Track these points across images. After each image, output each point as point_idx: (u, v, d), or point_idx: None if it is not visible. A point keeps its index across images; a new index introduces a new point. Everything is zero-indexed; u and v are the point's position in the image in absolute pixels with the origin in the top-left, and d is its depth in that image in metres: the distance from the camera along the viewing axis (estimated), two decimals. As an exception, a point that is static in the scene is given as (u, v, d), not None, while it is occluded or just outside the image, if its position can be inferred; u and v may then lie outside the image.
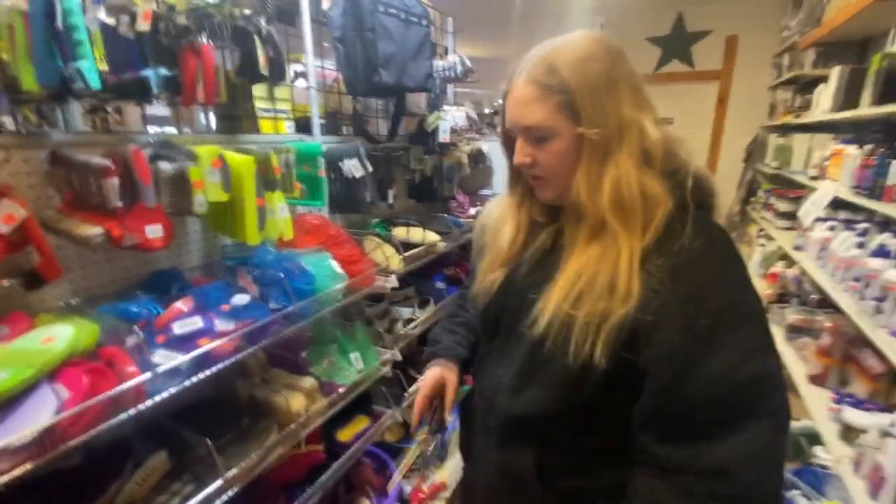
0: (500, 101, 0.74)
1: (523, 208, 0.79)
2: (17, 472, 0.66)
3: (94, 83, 0.80)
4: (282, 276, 1.11)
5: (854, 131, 2.56)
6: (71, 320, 0.83)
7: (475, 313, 0.87)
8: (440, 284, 2.08)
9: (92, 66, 0.79)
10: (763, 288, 2.87)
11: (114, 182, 0.84)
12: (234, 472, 0.98)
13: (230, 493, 0.99)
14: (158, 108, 1.66)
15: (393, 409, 1.63)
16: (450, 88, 2.38)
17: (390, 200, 1.79)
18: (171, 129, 2.24)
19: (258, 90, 1.40)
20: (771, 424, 0.58)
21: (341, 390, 1.30)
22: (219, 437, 1.03)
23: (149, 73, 0.92)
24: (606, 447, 0.71)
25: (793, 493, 1.76)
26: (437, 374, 0.89)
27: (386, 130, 1.96)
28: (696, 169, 0.66)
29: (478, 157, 2.46)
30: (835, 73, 2.51)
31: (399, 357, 1.61)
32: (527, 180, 0.74)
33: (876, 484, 1.39)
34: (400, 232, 1.79)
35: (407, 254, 1.63)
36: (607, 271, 0.63)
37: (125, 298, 0.98)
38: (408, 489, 1.76)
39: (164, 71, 0.94)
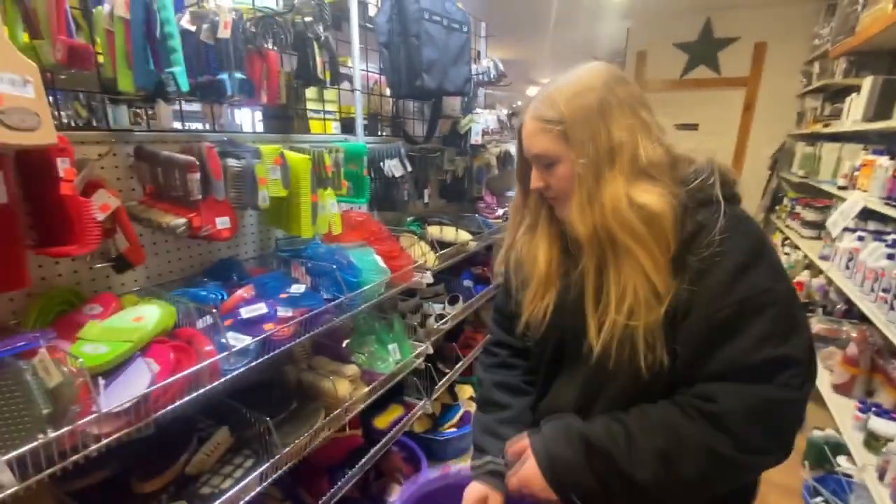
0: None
1: (548, 230, 0.81)
2: (117, 434, 0.73)
3: (185, 86, 0.88)
4: (333, 267, 1.18)
5: (885, 142, 2.55)
6: (153, 302, 0.90)
7: (529, 344, 0.87)
8: (468, 282, 2.13)
9: (183, 71, 0.86)
10: (787, 296, 2.86)
11: (197, 177, 0.92)
12: (288, 449, 1.05)
13: (285, 468, 1.06)
14: (186, 105, 1.74)
15: (424, 399, 1.70)
16: (481, 92, 2.44)
17: (426, 199, 1.85)
18: (198, 125, 2.34)
19: (310, 92, 1.47)
20: (784, 396, 0.63)
21: (381, 379, 1.36)
22: (272, 417, 1.10)
23: (224, 76, 1.00)
24: None
25: (815, 500, 1.77)
26: (481, 494, 0.81)
27: (421, 132, 2.02)
28: (718, 166, 0.71)
29: (506, 159, 2.51)
30: (867, 82, 2.50)
31: (431, 350, 1.67)
32: (549, 204, 0.79)
33: (902, 492, 1.40)
34: (434, 230, 1.85)
35: (441, 252, 1.69)
36: (644, 281, 0.67)
37: (194, 284, 1.06)
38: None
39: (239, 74, 1.01)
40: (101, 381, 0.70)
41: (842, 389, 2.01)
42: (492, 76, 2.14)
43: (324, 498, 1.23)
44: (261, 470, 0.99)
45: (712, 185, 0.69)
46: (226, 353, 0.87)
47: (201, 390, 0.85)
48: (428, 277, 1.60)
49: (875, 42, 2.62)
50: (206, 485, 0.93)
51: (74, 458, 0.68)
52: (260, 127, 2.02)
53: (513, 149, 2.61)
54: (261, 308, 1.00)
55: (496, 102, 2.54)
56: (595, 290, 0.72)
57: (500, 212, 2.40)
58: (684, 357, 0.68)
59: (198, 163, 0.92)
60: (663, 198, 0.67)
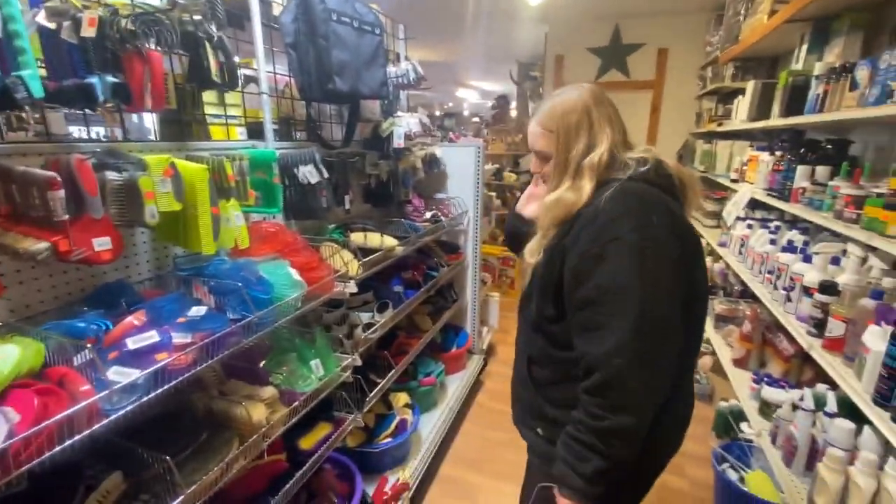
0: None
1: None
2: (-37, 503, 0.62)
3: (38, 92, 0.77)
4: (239, 285, 1.10)
5: (767, 139, 2.86)
6: (13, 340, 0.78)
7: None
8: (398, 288, 2.11)
9: (35, 75, 0.75)
10: (694, 281, 3.13)
11: (60, 194, 0.81)
12: (194, 488, 0.96)
13: (192, 508, 0.97)
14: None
15: (355, 413, 1.64)
16: (402, 94, 2.42)
17: (347, 206, 1.80)
18: (100, 129, 2.11)
19: (208, 96, 1.36)
20: (632, 327, 0.80)
21: (302, 398, 1.30)
22: (177, 453, 1.00)
23: (94, 79, 0.89)
24: (570, 361, 0.91)
25: (723, 466, 1.95)
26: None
27: (340, 136, 1.96)
28: (654, 158, 0.94)
29: (432, 162, 2.52)
30: (750, 86, 2.80)
31: (359, 362, 1.62)
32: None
33: (789, 452, 1.58)
34: (357, 237, 1.80)
35: (365, 259, 1.65)
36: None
37: (70, 315, 0.94)
38: (370, 491, 1.77)
39: (110, 78, 0.91)
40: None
41: (739, 363, 2.23)
42: (411, 79, 2.13)
43: (243, 532, 1.15)
44: (161, 515, 0.90)
45: (618, 173, 0.91)
46: (106, 393, 0.78)
47: (77, 437, 0.75)
48: (351, 287, 1.55)
49: (756, 49, 2.94)
50: (93, 541, 0.83)
51: None
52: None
53: (438, 151, 2.62)
54: (152, 336, 0.91)
55: (419, 106, 2.53)
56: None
57: (429, 215, 2.40)
58: (566, 282, 0.89)
59: (60, 179, 0.81)
60: (584, 194, 0.91)
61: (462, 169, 2.72)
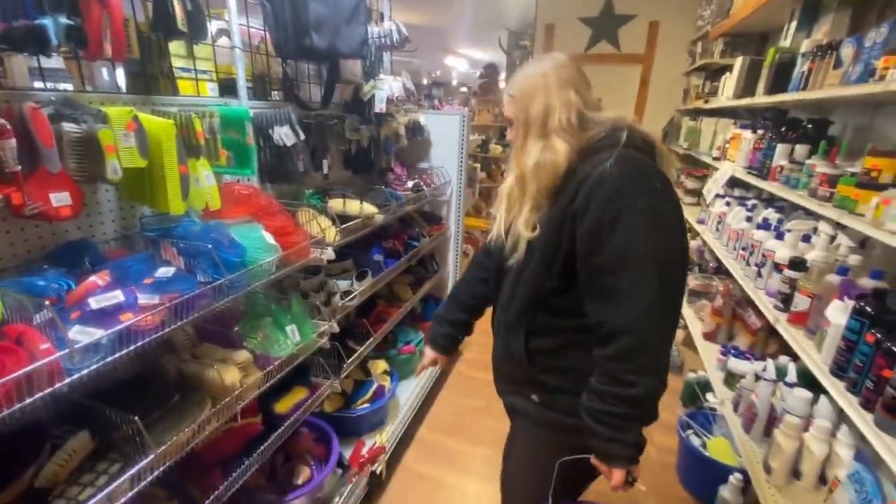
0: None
1: None
2: (-86, 459, 0.60)
3: (-21, 30, 0.70)
4: (209, 247, 1.07)
5: (751, 117, 2.87)
6: (-35, 297, 0.75)
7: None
8: (378, 257, 2.09)
9: (-25, 11, 0.69)
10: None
11: (11, 144, 0.76)
12: (164, 447, 0.96)
13: (162, 469, 0.97)
14: (53, 61, 1.47)
15: (332, 379, 1.65)
16: (386, 57, 2.33)
17: (325, 171, 1.75)
18: (67, 85, 1.99)
19: (176, 48, 1.29)
20: (656, 290, 0.83)
21: (277, 363, 1.29)
22: (147, 414, 0.99)
23: (47, 21, 0.82)
24: (578, 331, 0.95)
25: (687, 433, 2.04)
26: (434, 356, 1.32)
27: (318, 97, 1.89)
28: (629, 125, 0.94)
29: (415, 129, 2.46)
30: (738, 63, 2.78)
31: (336, 329, 1.62)
32: None
33: (749, 419, 1.65)
34: (336, 204, 1.76)
35: (343, 226, 1.62)
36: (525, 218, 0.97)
37: (30, 273, 0.90)
38: (347, 454, 1.81)
39: (64, 20, 0.84)
40: None
41: (709, 336, 2.31)
42: (394, 40, 2.05)
43: (218, 491, 1.16)
44: (131, 473, 0.89)
45: (604, 139, 0.91)
46: (67, 351, 0.76)
47: (37, 396, 0.73)
48: (329, 253, 1.53)
49: (745, 25, 2.90)
50: (61, 497, 0.82)
51: None
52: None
53: (422, 118, 2.55)
54: (116, 296, 0.88)
55: (405, 71, 2.45)
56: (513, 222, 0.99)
57: (411, 184, 2.36)
58: (579, 249, 0.89)
59: (10, 127, 0.76)
60: (560, 154, 0.92)
61: (446, 138, 2.67)
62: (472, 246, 3.72)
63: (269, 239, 1.25)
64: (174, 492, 1.16)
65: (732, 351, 2.03)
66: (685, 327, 3.11)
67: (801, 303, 1.52)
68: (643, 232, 0.84)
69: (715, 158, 3.10)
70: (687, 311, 2.63)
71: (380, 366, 2.14)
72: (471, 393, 2.66)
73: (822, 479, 1.40)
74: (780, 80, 2.19)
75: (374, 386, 2.02)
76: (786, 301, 1.61)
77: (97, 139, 0.90)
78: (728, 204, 2.56)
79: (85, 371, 0.80)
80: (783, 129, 2.13)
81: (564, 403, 1.01)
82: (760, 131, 2.38)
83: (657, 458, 2.18)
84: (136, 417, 0.91)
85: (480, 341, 3.19)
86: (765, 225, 2.05)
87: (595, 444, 0.93)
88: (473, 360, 2.97)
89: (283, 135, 1.45)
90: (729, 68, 3.06)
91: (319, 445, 1.74)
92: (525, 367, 1.03)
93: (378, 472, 1.83)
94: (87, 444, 0.90)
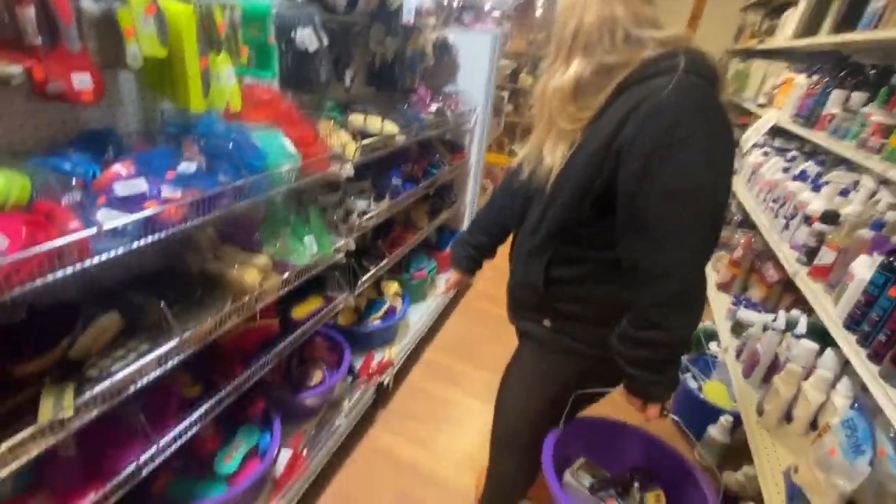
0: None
1: None
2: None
3: None
4: (231, 147, 1.06)
5: (807, 61, 2.64)
6: (-5, 170, 0.76)
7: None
8: (396, 181, 2.07)
9: None
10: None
11: (29, 12, 0.73)
12: (187, 334, 1.02)
13: (185, 354, 1.04)
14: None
15: (347, 293, 1.71)
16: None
17: (347, 82, 1.68)
18: None
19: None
20: (703, 233, 0.81)
21: (295, 270, 1.33)
22: (171, 304, 1.04)
23: None
24: (603, 263, 0.95)
25: (685, 376, 2.10)
26: (459, 277, 1.34)
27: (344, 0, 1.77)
28: (691, 47, 0.84)
29: (443, 48, 2.33)
30: (805, -4, 2.51)
31: (353, 246, 1.64)
32: None
33: (750, 366, 1.68)
34: (357, 120, 1.72)
35: (364, 142, 1.59)
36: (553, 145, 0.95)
37: (56, 155, 0.91)
38: (358, 365, 1.91)
39: None
40: (-76, 252, 0.60)
41: (723, 287, 2.30)
42: (428, -58, 1.87)
43: (238, 380, 1.24)
44: (158, 353, 0.96)
45: (661, 61, 0.82)
46: (94, 229, 0.78)
47: (69, 269, 0.77)
48: (348, 169, 1.52)
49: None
50: (95, 367, 0.89)
51: None
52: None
53: (451, 36, 2.40)
54: (140, 185, 0.89)
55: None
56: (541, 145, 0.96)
57: (434, 107, 2.27)
58: (623, 187, 0.84)
59: (29, -6, 0.73)
60: (599, 74, 0.86)
61: (475, 61, 2.52)
62: (493, 181, 3.65)
63: (290, 147, 1.24)
64: (198, 379, 1.25)
65: (744, 302, 2.03)
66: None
67: (825, 256, 1.48)
68: (697, 172, 0.78)
69: (760, 105, 2.91)
70: (703, 261, 2.60)
71: (392, 287, 2.20)
72: (478, 322, 2.74)
73: (813, 425, 1.45)
74: (850, 17, 1.98)
75: (387, 305, 2.09)
76: (810, 254, 1.57)
77: (115, 19, 0.87)
78: (766, 154, 2.43)
79: (113, 253, 0.83)
80: (842, 73, 1.96)
81: (576, 330, 1.03)
82: (816, 76, 2.20)
83: (652, 397, 2.27)
84: (163, 302, 0.96)
85: (491, 275, 3.24)
86: (802, 176, 1.95)
87: (633, 387, 0.95)
88: (483, 293, 3.03)
89: (306, 38, 1.38)
90: (793, 3, 2.78)
91: (332, 354, 1.84)
92: (540, 293, 1.04)
93: (385, 383, 1.94)
94: (116, 323, 0.96)
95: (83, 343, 0.91)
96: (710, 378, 2.12)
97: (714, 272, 2.48)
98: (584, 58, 0.86)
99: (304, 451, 1.50)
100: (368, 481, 1.67)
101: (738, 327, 1.93)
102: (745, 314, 1.92)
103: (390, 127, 1.76)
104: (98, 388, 0.85)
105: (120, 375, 0.88)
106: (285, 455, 1.46)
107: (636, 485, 1.12)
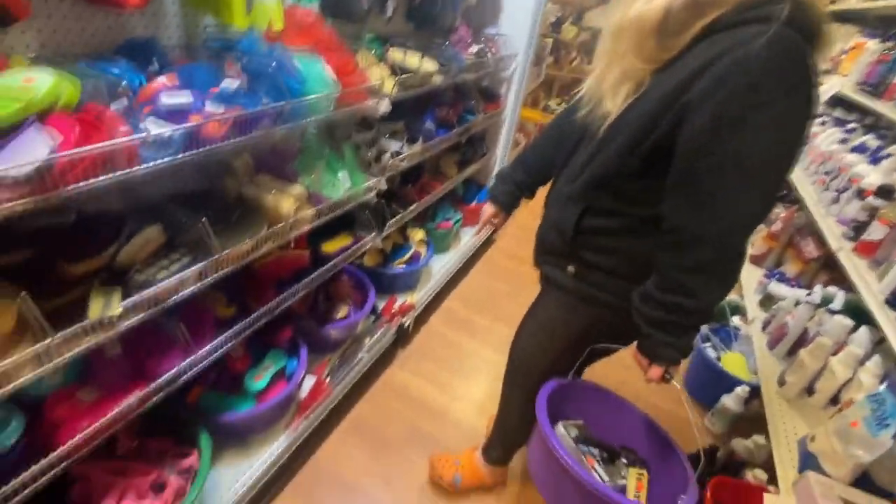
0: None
1: None
2: (22, 201, 0.67)
3: None
4: (273, 67, 1.04)
5: (881, 26, 2.41)
6: (47, 70, 0.76)
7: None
8: (430, 124, 2.02)
9: None
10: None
11: None
12: (226, 252, 1.04)
13: (223, 272, 1.07)
14: None
15: (375, 233, 1.71)
16: None
17: (388, 13, 1.61)
18: None
19: None
20: (758, 204, 0.78)
21: (328, 203, 1.33)
22: (211, 224, 1.06)
23: None
24: (638, 219, 0.92)
25: (705, 345, 2.08)
26: (494, 210, 1.32)
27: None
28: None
29: (487, -15, 2.19)
30: (893, -53, 2.25)
31: (384, 186, 1.63)
32: None
33: (777, 338, 1.66)
34: (396, 55, 1.66)
35: (402, 77, 1.54)
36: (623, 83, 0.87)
37: (103, 60, 0.90)
38: (381, 305, 1.95)
39: None
40: (-13, 139, 0.61)
41: (757, 260, 2.23)
42: None
43: (269, 305, 1.28)
44: (199, 267, 0.99)
45: (758, 7, 0.73)
46: (143, 136, 0.78)
47: (119, 173, 0.78)
48: (385, 105, 1.48)
49: None
50: (141, 273, 0.92)
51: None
52: None
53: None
54: (185, 96, 0.88)
55: None
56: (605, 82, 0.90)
57: (475, 48, 2.17)
58: (685, 143, 0.78)
59: None
60: (689, 9, 0.77)
61: (520, 3, 2.38)
62: (525, 137, 3.55)
63: (330, 74, 1.21)
64: (233, 300, 1.29)
65: (777, 276, 1.97)
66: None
67: (875, 231, 1.41)
68: (770, 141, 0.73)
69: (824, 71, 2.70)
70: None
71: (418, 234, 2.20)
72: (499, 278, 2.75)
73: (834, 400, 1.43)
74: (945, -28, 1.78)
75: (412, 251, 2.10)
76: (858, 230, 1.50)
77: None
78: (823, 123, 2.28)
79: (160, 162, 0.84)
80: (924, 37, 1.79)
81: (599, 279, 1.02)
82: (891, 42, 2.01)
83: (667, 363, 2.27)
84: (204, 219, 0.98)
85: (516, 234, 3.22)
86: (860, 149, 1.84)
87: (644, 346, 0.94)
88: (506, 250, 3.02)
89: (351, -41, 1.31)
90: (878, -44, 2.50)
91: (357, 293, 1.88)
92: (569, 240, 1.02)
93: (406, 325, 1.99)
94: (159, 235, 0.99)
95: (129, 251, 0.94)
96: (729, 349, 2.10)
97: (749, 244, 2.40)
98: None
99: (328, 380, 1.56)
100: (384, 413, 1.75)
101: (768, 300, 1.88)
102: (777, 288, 1.87)
103: (429, 65, 1.70)
104: (143, 294, 0.89)
105: (164, 284, 0.92)
106: (309, 381, 1.53)
107: (623, 459, 1.12)
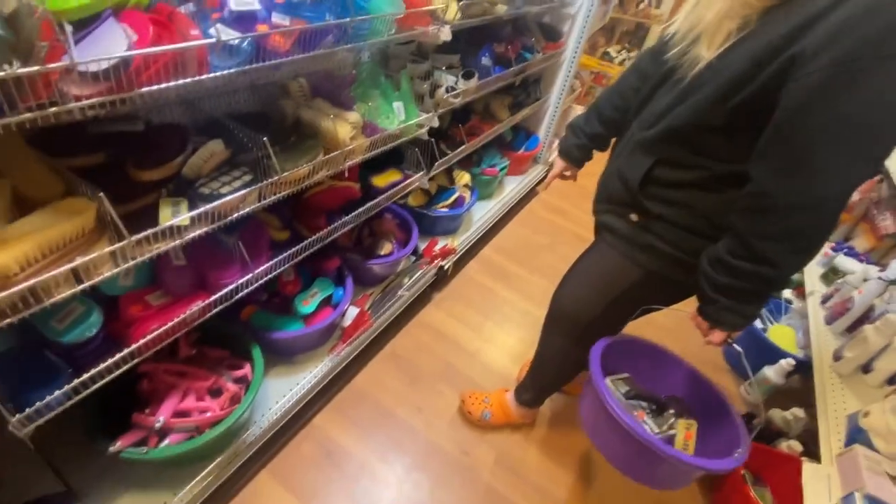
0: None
1: None
2: (100, 99, 0.67)
3: None
4: (340, -22, 0.98)
5: None
6: (120, -38, 0.74)
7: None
8: (486, 61, 1.91)
9: None
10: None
11: None
12: (285, 174, 1.04)
13: (282, 194, 1.07)
14: None
15: (423, 172, 1.68)
16: None
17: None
18: None
19: None
20: (862, 171, 0.70)
21: (383, 134, 1.30)
22: (271, 144, 1.06)
23: None
24: (713, 175, 0.86)
25: (752, 315, 2.01)
26: (564, 165, 1.28)
27: None
28: None
29: None
30: None
31: (437, 123, 1.57)
32: None
33: (838, 313, 1.57)
34: (459, -21, 1.54)
35: (465, 2, 1.44)
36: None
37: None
38: (422, 246, 1.96)
39: None
40: (69, 28, 0.60)
41: (822, 232, 2.09)
42: None
43: (320, 233, 1.30)
44: (259, 186, 0.99)
45: None
46: (214, 39, 0.76)
47: (189, 79, 0.77)
48: (446, 33, 1.39)
49: None
50: (206, 186, 0.94)
51: (53, 109, 0.63)
52: None
53: None
54: (253, 3, 0.85)
55: None
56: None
57: (539, -19, 2.00)
58: (794, 95, 0.69)
59: None
60: None
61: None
62: (580, 84, 3.33)
63: (395, -8, 1.13)
64: (286, 226, 1.31)
65: (845, 249, 1.84)
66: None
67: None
68: (886, 102, 0.64)
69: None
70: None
71: (464, 177, 2.16)
72: (539, 230, 2.70)
73: (892, 380, 1.37)
74: None
75: (456, 195, 2.07)
76: (955, 204, 1.36)
77: None
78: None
79: (228, 70, 0.83)
80: None
81: (662, 229, 0.97)
82: None
83: (707, 330, 2.22)
84: (266, 138, 0.97)
85: (558, 186, 3.11)
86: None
87: (706, 310, 0.90)
88: (547, 202, 2.94)
89: None
90: None
91: (400, 232, 1.89)
92: (634, 190, 0.96)
93: (445, 268, 1.99)
94: (223, 151, 0.99)
95: (195, 163, 0.95)
96: (777, 322, 2.02)
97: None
98: None
99: (370, 311, 1.61)
100: (419, 348, 1.80)
101: (832, 273, 1.77)
102: (844, 261, 1.75)
103: (494, -7, 1.58)
104: (208, 206, 0.90)
105: (227, 199, 0.93)
106: (353, 311, 1.57)
107: (671, 410, 1.11)
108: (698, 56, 0.81)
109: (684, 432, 1.00)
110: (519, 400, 1.52)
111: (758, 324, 1.99)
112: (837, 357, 1.43)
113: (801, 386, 1.83)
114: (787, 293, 2.10)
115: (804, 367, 1.73)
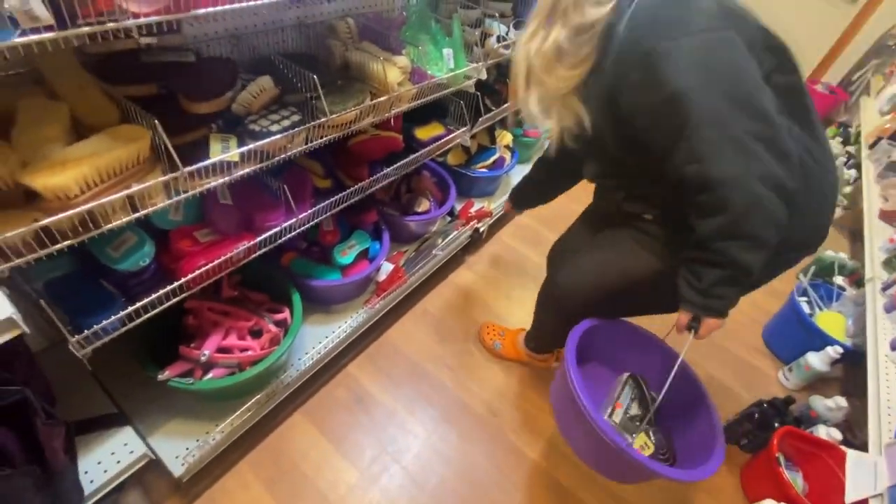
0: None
1: None
2: (155, 18, 0.65)
3: None
4: None
5: None
6: None
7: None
8: (539, 12, 1.79)
9: None
10: (883, 122, 2.52)
11: None
12: (333, 116, 1.01)
13: (328, 138, 1.05)
14: None
15: (466, 128, 1.62)
16: None
17: None
18: None
19: None
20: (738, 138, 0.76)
21: (430, 82, 1.25)
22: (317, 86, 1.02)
23: None
24: (670, 198, 0.94)
25: (800, 300, 1.91)
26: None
27: None
28: None
29: None
30: None
31: (485, 76, 1.50)
32: None
33: (898, 302, 1.47)
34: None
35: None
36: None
37: None
38: (458, 207, 1.92)
39: None
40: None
41: (888, 216, 1.94)
42: None
43: (362, 184, 1.28)
44: (307, 125, 0.97)
45: None
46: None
47: (244, 3, 0.73)
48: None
49: None
50: (255, 124, 0.92)
51: (112, 25, 0.61)
52: None
53: None
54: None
55: None
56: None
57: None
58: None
59: None
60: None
61: None
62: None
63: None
64: (329, 174, 1.30)
65: (914, 235, 1.71)
66: (847, 207, 2.66)
67: None
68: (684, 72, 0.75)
69: None
70: (873, 187, 2.18)
71: (506, 137, 2.08)
72: (576, 198, 2.56)
73: (955, 375, 1.28)
74: None
75: (496, 155, 2.00)
76: None
77: None
78: None
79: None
80: None
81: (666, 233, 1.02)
82: None
83: (749, 313, 2.14)
84: (315, 77, 0.94)
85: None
86: None
87: (678, 288, 0.93)
88: (588, 171, 2.83)
89: None
90: None
91: (438, 190, 1.85)
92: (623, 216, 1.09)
93: (480, 230, 1.96)
94: (272, 87, 0.96)
95: (245, 98, 0.93)
96: (827, 308, 1.92)
97: (881, 198, 2.08)
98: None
99: (404, 268, 1.60)
100: (451, 309, 1.79)
101: (894, 260, 1.66)
102: (911, 248, 1.63)
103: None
104: (257, 144, 0.88)
105: (275, 138, 0.91)
106: (388, 267, 1.57)
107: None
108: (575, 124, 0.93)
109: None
110: (526, 343, 1.55)
111: (805, 307, 1.90)
112: (894, 346, 1.35)
113: (842, 375, 1.75)
114: (839, 280, 1.99)
115: (851, 357, 1.65)
